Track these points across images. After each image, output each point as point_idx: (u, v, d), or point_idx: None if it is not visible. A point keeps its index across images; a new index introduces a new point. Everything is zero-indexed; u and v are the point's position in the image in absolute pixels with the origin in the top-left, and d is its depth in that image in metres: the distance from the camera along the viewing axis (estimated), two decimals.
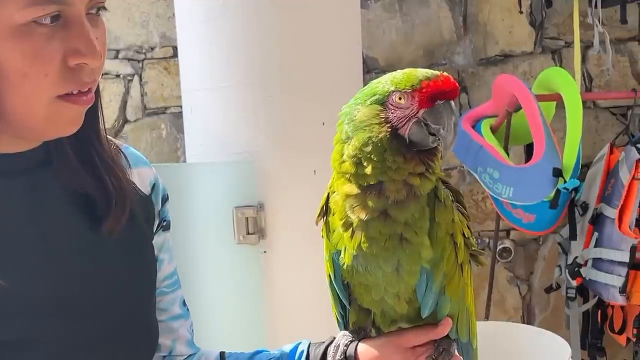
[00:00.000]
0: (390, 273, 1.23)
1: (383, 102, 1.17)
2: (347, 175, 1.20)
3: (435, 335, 1.30)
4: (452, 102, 1.18)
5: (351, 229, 1.22)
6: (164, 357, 1.40)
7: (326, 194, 1.29)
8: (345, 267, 1.26)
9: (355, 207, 1.19)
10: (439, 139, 1.17)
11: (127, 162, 1.27)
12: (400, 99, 1.16)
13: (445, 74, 1.18)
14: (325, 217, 1.30)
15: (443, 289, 1.27)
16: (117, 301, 1.19)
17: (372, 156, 1.16)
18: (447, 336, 1.32)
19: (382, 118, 1.16)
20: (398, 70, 1.20)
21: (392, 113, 1.16)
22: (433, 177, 1.21)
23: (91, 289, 1.15)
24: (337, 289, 1.34)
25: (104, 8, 1.08)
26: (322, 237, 1.33)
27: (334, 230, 1.26)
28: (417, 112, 1.16)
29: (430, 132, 1.17)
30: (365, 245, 1.20)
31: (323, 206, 1.30)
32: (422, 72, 1.17)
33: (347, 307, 1.36)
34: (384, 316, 1.33)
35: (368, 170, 1.16)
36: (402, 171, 1.17)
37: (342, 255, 1.25)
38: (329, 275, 1.34)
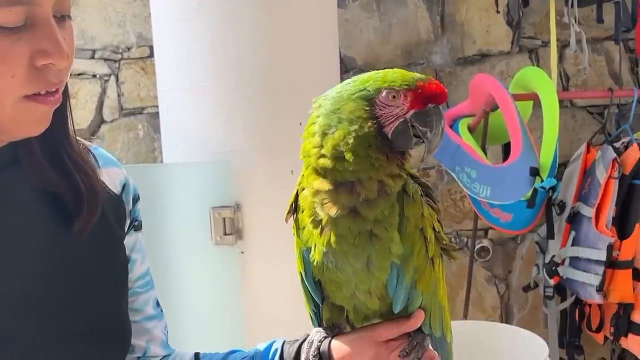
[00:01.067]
0: (360, 269, 1.23)
1: (371, 97, 1.16)
2: (323, 171, 1.18)
3: (407, 328, 1.30)
4: (441, 107, 1.18)
5: (320, 226, 1.21)
6: (138, 358, 1.39)
7: (295, 191, 1.28)
8: (315, 264, 1.25)
9: (325, 204, 1.18)
10: (422, 141, 1.17)
11: (96, 162, 1.26)
12: (393, 97, 1.15)
13: (434, 79, 1.18)
14: (294, 215, 1.29)
15: (414, 283, 1.27)
16: (88, 301, 1.18)
17: (355, 151, 1.14)
18: (421, 330, 1.32)
19: (369, 113, 1.15)
20: (386, 69, 1.19)
21: (380, 110, 1.16)
22: (404, 176, 1.21)
23: (61, 288, 1.14)
24: (308, 286, 1.34)
25: (69, 17, 1.06)
26: (293, 234, 1.32)
27: (303, 227, 1.26)
28: (406, 113, 1.16)
29: (414, 134, 1.17)
30: (334, 242, 1.20)
31: (292, 203, 1.29)
32: (415, 74, 1.18)
33: (320, 304, 1.36)
34: (357, 313, 1.33)
35: (349, 165, 1.15)
36: (382, 170, 1.17)
37: (312, 252, 1.24)
38: (300, 273, 1.34)
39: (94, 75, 3.86)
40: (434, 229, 1.29)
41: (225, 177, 2.57)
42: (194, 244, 2.66)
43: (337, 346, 1.31)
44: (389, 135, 1.16)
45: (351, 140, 1.14)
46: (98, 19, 3.80)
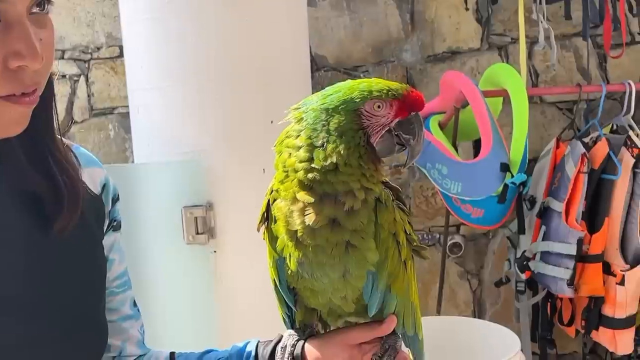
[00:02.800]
0: (337, 279, 1.23)
1: (357, 108, 1.16)
2: (311, 184, 1.17)
3: (380, 333, 1.31)
4: (419, 114, 1.20)
5: (296, 237, 1.21)
6: (114, 357, 1.39)
7: (266, 201, 1.27)
8: (290, 273, 1.25)
9: (307, 215, 1.18)
10: (404, 148, 1.19)
11: (77, 162, 1.25)
12: (378, 107, 1.16)
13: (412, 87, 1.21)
14: (266, 224, 1.29)
15: (388, 287, 1.28)
16: (66, 301, 1.17)
17: (349, 163, 1.15)
18: (393, 332, 1.32)
19: (358, 125, 1.16)
20: (367, 79, 1.20)
21: (368, 120, 1.17)
22: (379, 184, 1.23)
23: (38, 288, 1.13)
24: (282, 293, 1.34)
25: (49, 1, 1.04)
26: (264, 239, 1.32)
27: (277, 237, 1.25)
28: (391, 122, 1.18)
29: (397, 141, 1.19)
30: (311, 253, 1.20)
31: (264, 213, 1.28)
32: (396, 83, 1.19)
33: (293, 308, 1.36)
34: (331, 313, 1.34)
35: (343, 177, 1.15)
36: (372, 179, 1.18)
37: (287, 262, 1.24)
38: (274, 281, 1.34)
39: (64, 76, 3.83)
40: (405, 231, 1.30)
41: (197, 176, 2.57)
42: (166, 243, 2.65)
43: (311, 349, 1.31)
44: (375, 144, 1.18)
45: (344, 152, 1.15)
46: (67, 18, 3.78)
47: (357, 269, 1.22)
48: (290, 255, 1.23)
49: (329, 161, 1.15)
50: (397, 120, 1.18)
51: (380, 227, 1.22)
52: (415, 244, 1.35)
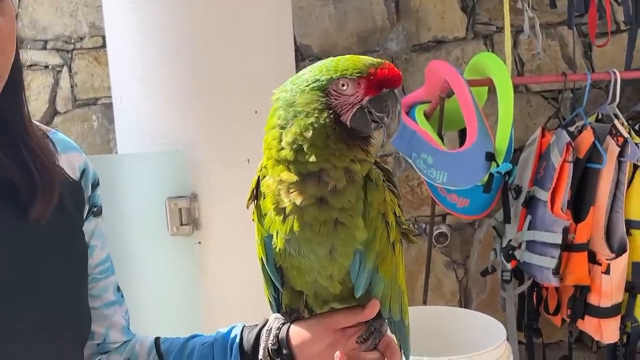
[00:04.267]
0: (323, 256, 1.23)
1: (325, 88, 1.15)
2: (285, 162, 1.17)
3: (363, 318, 1.30)
4: (396, 91, 1.18)
5: (284, 213, 1.20)
6: (98, 344, 1.38)
7: (256, 177, 1.27)
8: (277, 250, 1.25)
9: (292, 193, 1.18)
10: (380, 126, 1.17)
11: (54, 148, 1.23)
12: (344, 85, 1.15)
13: (388, 62, 1.17)
14: (255, 201, 1.28)
15: (376, 268, 1.27)
16: (46, 289, 1.16)
17: (314, 143, 1.14)
18: (379, 316, 1.32)
19: (324, 104, 1.15)
20: (339, 57, 1.18)
21: (335, 99, 1.15)
22: (371, 161, 1.21)
23: (18, 276, 1.12)
24: (269, 272, 1.33)
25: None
26: (253, 220, 1.31)
27: (265, 214, 1.25)
28: (362, 100, 1.16)
29: (372, 119, 1.17)
30: (297, 229, 1.19)
31: (253, 190, 1.28)
32: (367, 59, 1.17)
33: (280, 289, 1.35)
34: (317, 297, 1.33)
35: (310, 157, 1.14)
36: (344, 158, 1.16)
37: (274, 239, 1.24)
38: (261, 259, 1.33)
39: (46, 66, 3.80)
40: (394, 213, 1.29)
41: (181, 166, 2.55)
42: (150, 235, 2.64)
43: (296, 332, 1.31)
44: (348, 123, 1.16)
45: (309, 133, 1.14)
46: (49, 9, 3.75)
47: (344, 247, 1.22)
48: (277, 232, 1.22)
49: (295, 141, 1.15)
50: (368, 97, 1.16)
51: (369, 206, 1.21)
52: (404, 227, 1.34)
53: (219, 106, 2.55)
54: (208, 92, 2.54)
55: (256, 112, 2.50)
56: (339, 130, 1.15)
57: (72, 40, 3.78)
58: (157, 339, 1.44)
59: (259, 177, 1.26)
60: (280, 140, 1.17)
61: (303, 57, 3.68)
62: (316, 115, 1.14)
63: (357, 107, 1.16)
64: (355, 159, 1.17)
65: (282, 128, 1.17)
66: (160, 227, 2.57)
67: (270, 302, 1.41)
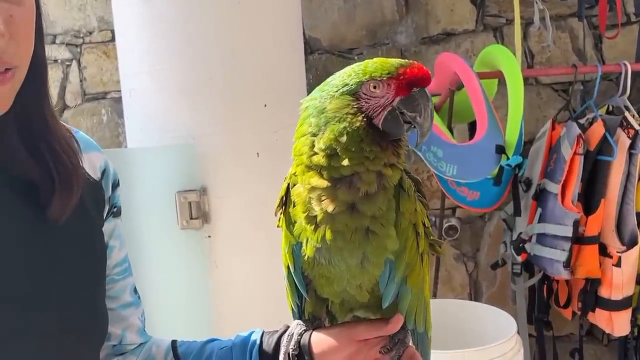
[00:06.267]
0: (354, 265, 1.22)
1: (355, 92, 1.15)
2: (318, 168, 1.17)
3: (386, 332, 1.30)
4: (427, 89, 1.17)
5: (315, 222, 1.20)
6: (114, 346, 1.38)
7: (285, 185, 1.26)
8: (306, 259, 1.24)
9: (323, 200, 1.17)
10: (413, 127, 1.16)
11: (79, 147, 1.22)
12: (374, 87, 1.14)
13: (417, 62, 1.16)
14: (284, 208, 1.28)
15: (404, 279, 1.27)
16: (65, 290, 1.16)
17: (349, 147, 1.14)
18: (403, 327, 1.31)
19: (356, 108, 1.14)
20: (367, 60, 1.18)
21: (366, 102, 1.15)
22: (401, 167, 1.21)
23: (36, 276, 1.11)
24: (296, 280, 1.32)
25: None
26: (279, 226, 1.31)
27: (294, 222, 1.24)
28: (393, 101, 1.15)
29: (404, 120, 1.16)
30: (329, 238, 1.19)
31: (283, 197, 1.27)
32: (396, 60, 1.16)
33: (305, 297, 1.35)
34: (343, 305, 1.33)
35: (344, 161, 1.14)
36: (378, 161, 1.16)
37: (303, 247, 1.23)
38: (288, 267, 1.33)
39: (56, 61, 3.81)
40: (423, 224, 1.29)
41: (190, 160, 2.55)
42: (160, 228, 2.64)
43: (318, 340, 1.31)
44: (380, 126, 1.15)
45: (343, 138, 1.14)
46: (58, 3, 3.75)
47: (375, 256, 1.22)
48: (307, 240, 1.22)
49: (327, 147, 1.15)
50: (399, 98, 1.15)
51: (402, 216, 1.21)
52: (432, 237, 1.34)
53: (228, 99, 2.54)
54: (217, 85, 2.53)
55: (265, 105, 2.50)
56: (372, 133, 1.15)
57: (81, 35, 3.78)
58: (173, 342, 1.44)
59: (288, 184, 1.26)
60: (312, 147, 1.17)
61: (312, 50, 3.68)
62: (349, 119, 1.14)
63: (389, 108, 1.15)
64: (388, 162, 1.17)
65: (314, 135, 1.17)
66: (170, 220, 2.57)
67: (292, 309, 1.41)
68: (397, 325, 1.30)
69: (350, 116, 1.14)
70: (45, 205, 1.12)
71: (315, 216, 1.19)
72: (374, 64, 1.16)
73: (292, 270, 1.32)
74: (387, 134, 1.16)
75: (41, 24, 1.10)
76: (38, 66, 1.09)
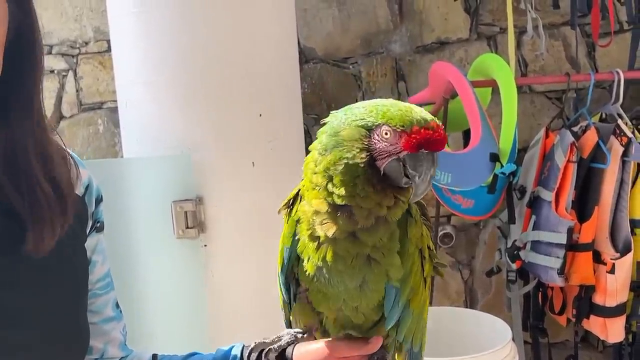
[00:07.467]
0: (353, 288, 1.23)
1: (370, 129, 1.14)
2: (318, 188, 1.17)
3: (366, 352, 1.29)
4: (435, 154, 1.14)
5: (318, 241, 1.20)
6: (96, 359, 1.38)
7: (296, 190, 1.26)
8: (307, 275, 1.24)
9: (324, 224, 1.17)
10: (411, 182, 1.14)
11: (76, 168, 1.23)
12: (387, 134, 1.13)
13: (437, 122, 1.14)
14: (289, 209, 1.28)
15: (408, 302, 1.27)
16: (47, 304, 1.16)
17: (343, 178, 1.13)
18: (382, 346, 1.31)
19: (365, 144, 1.13)
20: (396, 101, 1.16)
21: (377, 143, 1.13)
22: (404, 206, 1.19)
23: (18, 291, 1.12)
24: (281, 282, 1.33)
25: None
26: (285, 222, 1.31)
27: (299, 237, 1.24)
28: (400, 152, 1.13)
29: (406, 173, 1.14)
30: (330, 259, 1.19)
31: (291, 199, 1.28)
32: (418, 114, 1.14)
33: (289, 303, 1.35)
34: (336, 322, 1.33)
35: (337, 190, 1.14)
36: (369, 201, 1.14)
37: (305, 264, 1.23)
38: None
39: (52, 71, 3.82)
40: (428, 247, 1.30)
41: (186, 170, 2.56)
42: (156, 238, 2.64)
43: (299, 354, 1.31)
44: (381, 169, 1.14)
45: (341, 167, 1.13)
46: (54, 14, 3.76)
47: (374, 283, 1.22)
48: (309, 258, 1.22)
49: (325, 169, 1.15)
50: (405, 152, 1.13)
51: (409, 242, 1.21)
52: (435, 260, 1.34)
53: (223, 109, 2.55)
54: (213, 95, 2.54)
55: (260, 115, 2.51)
56: (370, 173, 1.13)
57: (77, 45, 3.80)
58: (154, 356, 1.44)
59: (299, 190, 1.25)
60: (316, 165, 1.17)
61: (307, 59, 3.69)
62: (354, 152, 1.13)
63: (394, 157, 1.13)
64: (382, 203, 1.15)
65: (321, 153, 1.16)
66: (166, 230, 2.58)
67: (283, 300, 1.40)
68: (377, 345, 1.29)
69: (356, 150, 1.13)
70: (26, 234, 1.12)
71: (319, 237, 1.19)
72: (397, 110, 1.14)
73: (278, 271, 1.33)
74: (388, 178, 1.14)
75: (35, 64, 1.11)
76: (28, 101, 1.10)
